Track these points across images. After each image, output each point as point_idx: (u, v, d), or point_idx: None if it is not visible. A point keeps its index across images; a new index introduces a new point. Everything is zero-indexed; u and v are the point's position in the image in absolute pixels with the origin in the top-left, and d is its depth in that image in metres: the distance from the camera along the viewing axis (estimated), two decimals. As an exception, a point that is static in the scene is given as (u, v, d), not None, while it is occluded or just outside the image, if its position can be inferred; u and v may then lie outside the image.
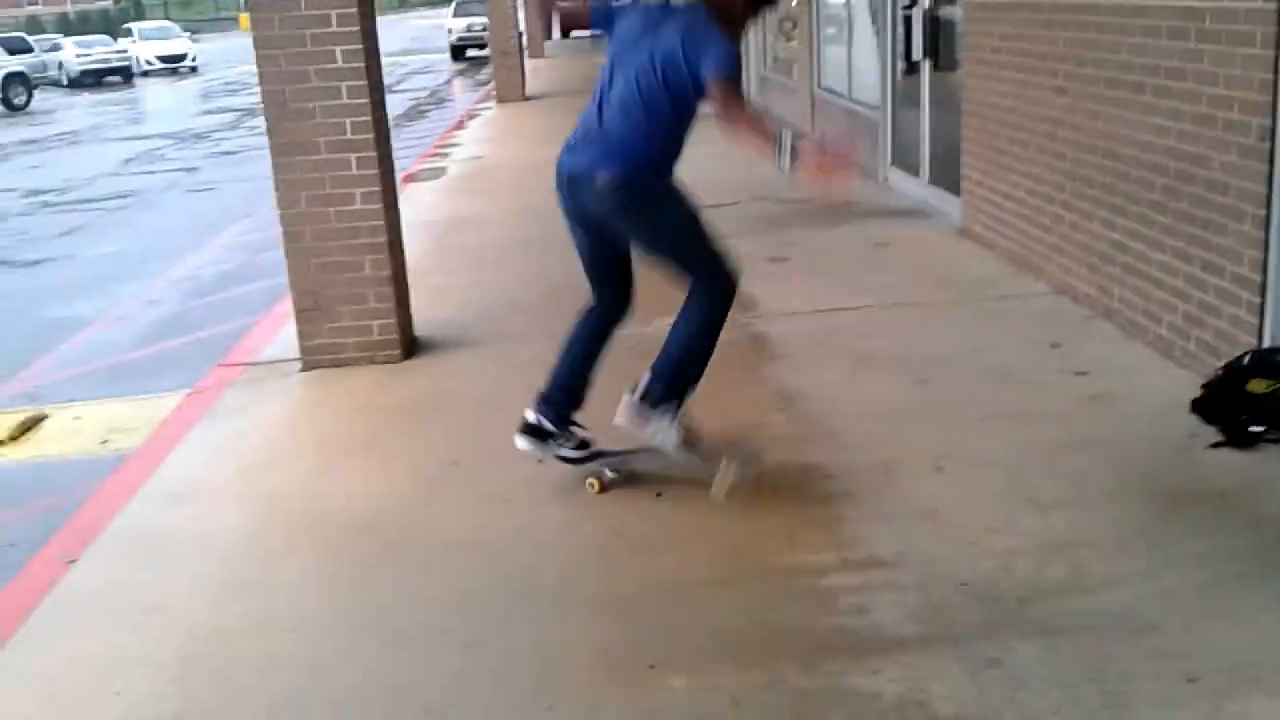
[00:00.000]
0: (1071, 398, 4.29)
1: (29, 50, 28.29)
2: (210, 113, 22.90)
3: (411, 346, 5.40)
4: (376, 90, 5.11)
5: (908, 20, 7.90)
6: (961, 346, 4.95)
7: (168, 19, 73.77)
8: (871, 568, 3.14)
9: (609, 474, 3.74)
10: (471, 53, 32.43)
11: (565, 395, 3.78)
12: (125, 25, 43.38)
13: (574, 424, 3.80)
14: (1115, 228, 4.95)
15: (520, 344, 5.40)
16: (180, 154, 16.40)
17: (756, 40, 14.33)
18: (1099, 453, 3.77)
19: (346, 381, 5.07)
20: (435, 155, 12.67)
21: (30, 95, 27.54)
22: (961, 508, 3.44)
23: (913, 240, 6.93)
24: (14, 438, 5.04)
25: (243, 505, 3.87)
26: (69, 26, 55.20)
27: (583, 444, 3.80)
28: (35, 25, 56.11)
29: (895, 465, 3.78)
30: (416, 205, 9.45)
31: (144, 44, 38.09)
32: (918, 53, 7.67)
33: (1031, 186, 5.82)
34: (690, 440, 3.62)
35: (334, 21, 4.90)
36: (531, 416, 3.75)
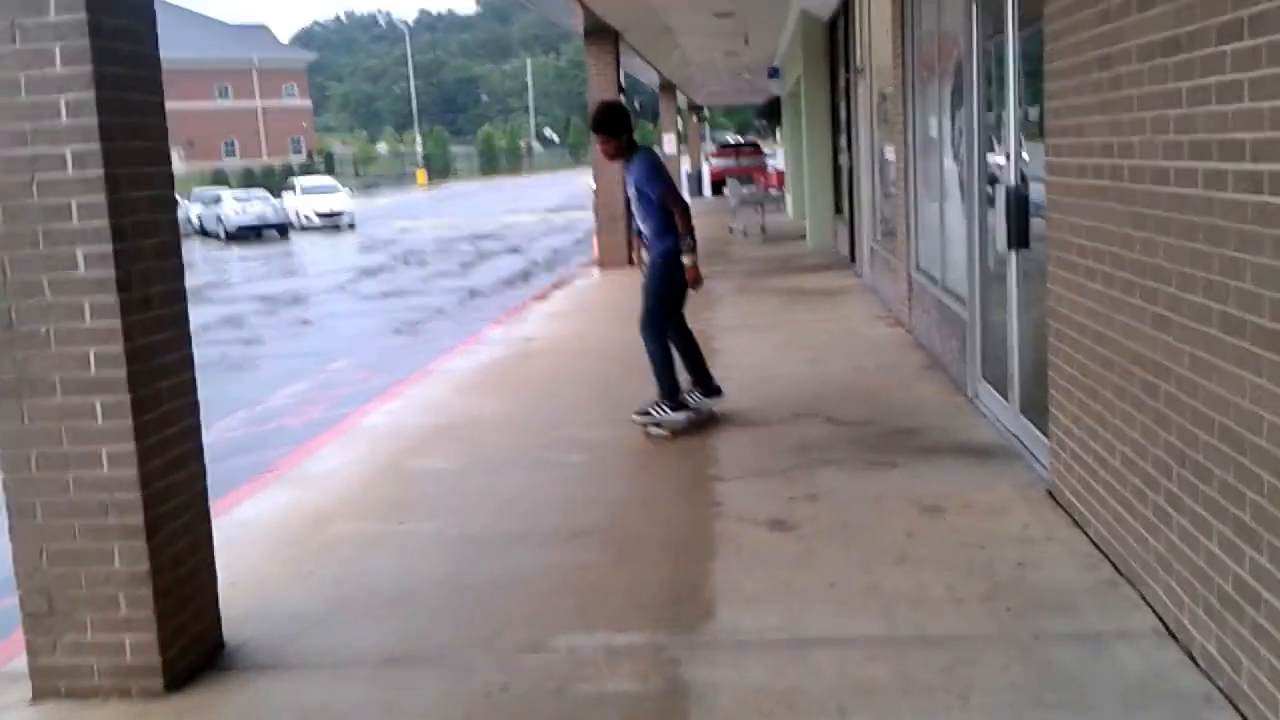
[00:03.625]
0: None
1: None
2: (331, 272, 22.48)
3: (198, 664, 3.79)
4: (143, 308, 3.63)
5: (991, 199, 6.13)
6: (988, 740, 3.02)
7: (357, 174, 77.76)
8: None
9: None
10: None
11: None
12: (290, 180, 44.78)
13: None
14: (1241, 557, 3.00)
15: (354, 675, 3.72)
16: (264, 320, 15.60)
17: (870, 211, 12.67)
18: None
19: (65, 731, 3.47)
20: (488, 333, 11.33)
21: (174, 250, 27.93)
22: None
23: (979, 505, 4.98)
24: None
25: None
26: (252, 179, 57.75)
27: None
28: (220, 177, 59.09)
29: None
30: (414, 404, 8.01)
31: (304, 198, 38.97)
32: (1002, 242, 5.86)
33: (1129, 455, 3.90)
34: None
35: (74, 214, 3.47)
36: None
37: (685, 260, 6.48)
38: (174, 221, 3.86)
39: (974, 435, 6.13)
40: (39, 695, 3.67)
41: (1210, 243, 3.14)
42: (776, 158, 42.14)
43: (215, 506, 5.81)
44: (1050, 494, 4.97)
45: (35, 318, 3.52)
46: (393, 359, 11.02)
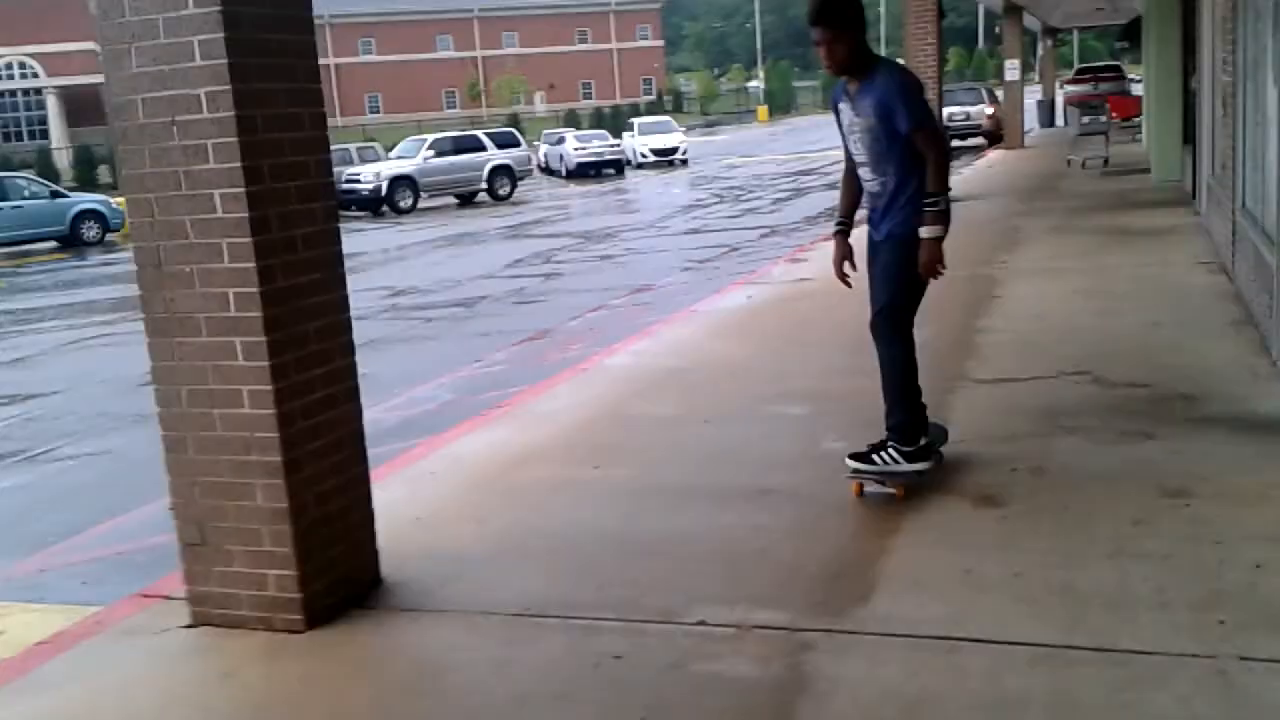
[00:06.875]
0: None
1: (516, 144, 30.13)
2: (649, 209, 22.80)
3: (344, 602, 3.79)
4: (287, 250, 3.62)
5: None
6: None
7: (704, 111, 78.82)
8: None
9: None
10: (955, 143, 29.42)
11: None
12: (630, 120, 45.92)
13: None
14: None
15: (484, 626, 3.63)
16: (570, 254, 16.01)
17: (1209, 141, 11.19)
18: None
19: (214, 657, 3.59)
20: (768, 271, 10.97)
21: (514, 186, 29.28)
22: None
23: (1234, 492, 4.19)
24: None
25: None
26: (601, 120, 59.58)
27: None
28: (572, 119, 61.41)
29: None
30: (661, 345, 7.94)
31: (641, 138, 39.92)
32: (1307, 176, 4.88)
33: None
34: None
35: (210, 155, 3.50)
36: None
37: (925, 232, 4.32)
38: (326, 163, 3.84)
39: (1261, 406, 5.21)
40: (196, 620, 3.81)
41: None
42: (1140, 83, 38.62)
43: (438, 439, 5.95)
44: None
45: (180, 258, 3.60)
46: (667, 298, 10.93)
